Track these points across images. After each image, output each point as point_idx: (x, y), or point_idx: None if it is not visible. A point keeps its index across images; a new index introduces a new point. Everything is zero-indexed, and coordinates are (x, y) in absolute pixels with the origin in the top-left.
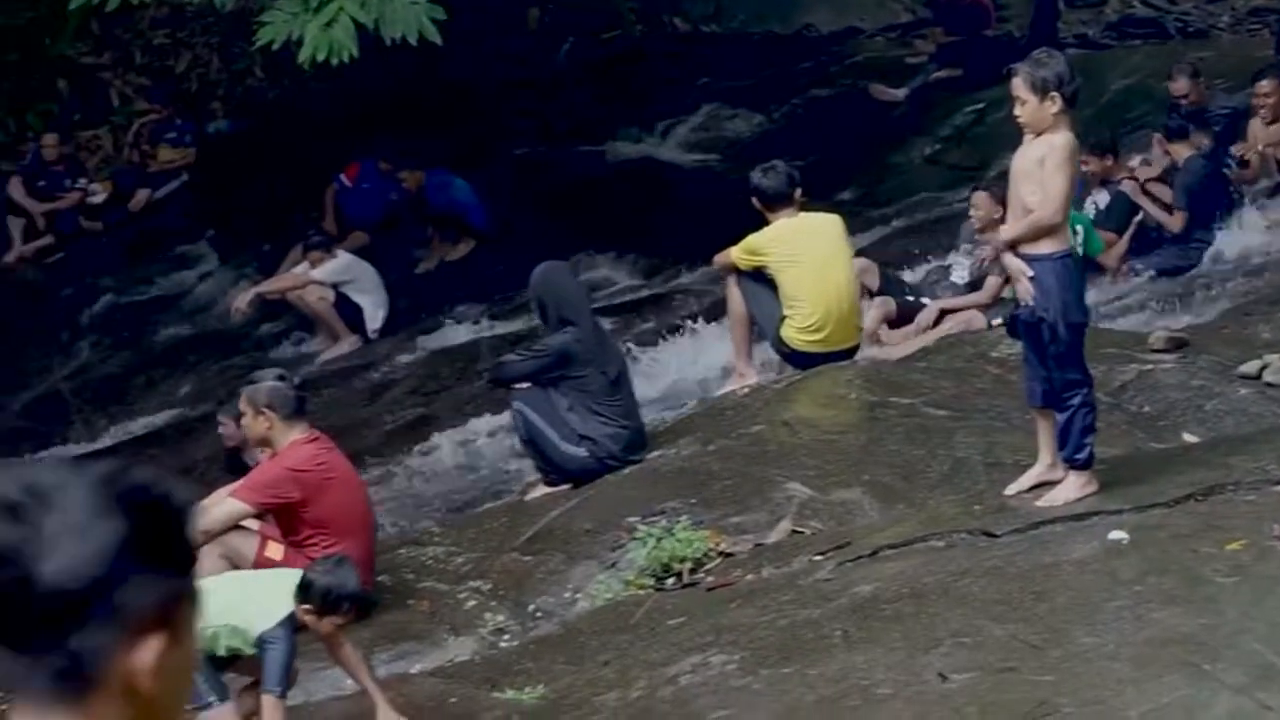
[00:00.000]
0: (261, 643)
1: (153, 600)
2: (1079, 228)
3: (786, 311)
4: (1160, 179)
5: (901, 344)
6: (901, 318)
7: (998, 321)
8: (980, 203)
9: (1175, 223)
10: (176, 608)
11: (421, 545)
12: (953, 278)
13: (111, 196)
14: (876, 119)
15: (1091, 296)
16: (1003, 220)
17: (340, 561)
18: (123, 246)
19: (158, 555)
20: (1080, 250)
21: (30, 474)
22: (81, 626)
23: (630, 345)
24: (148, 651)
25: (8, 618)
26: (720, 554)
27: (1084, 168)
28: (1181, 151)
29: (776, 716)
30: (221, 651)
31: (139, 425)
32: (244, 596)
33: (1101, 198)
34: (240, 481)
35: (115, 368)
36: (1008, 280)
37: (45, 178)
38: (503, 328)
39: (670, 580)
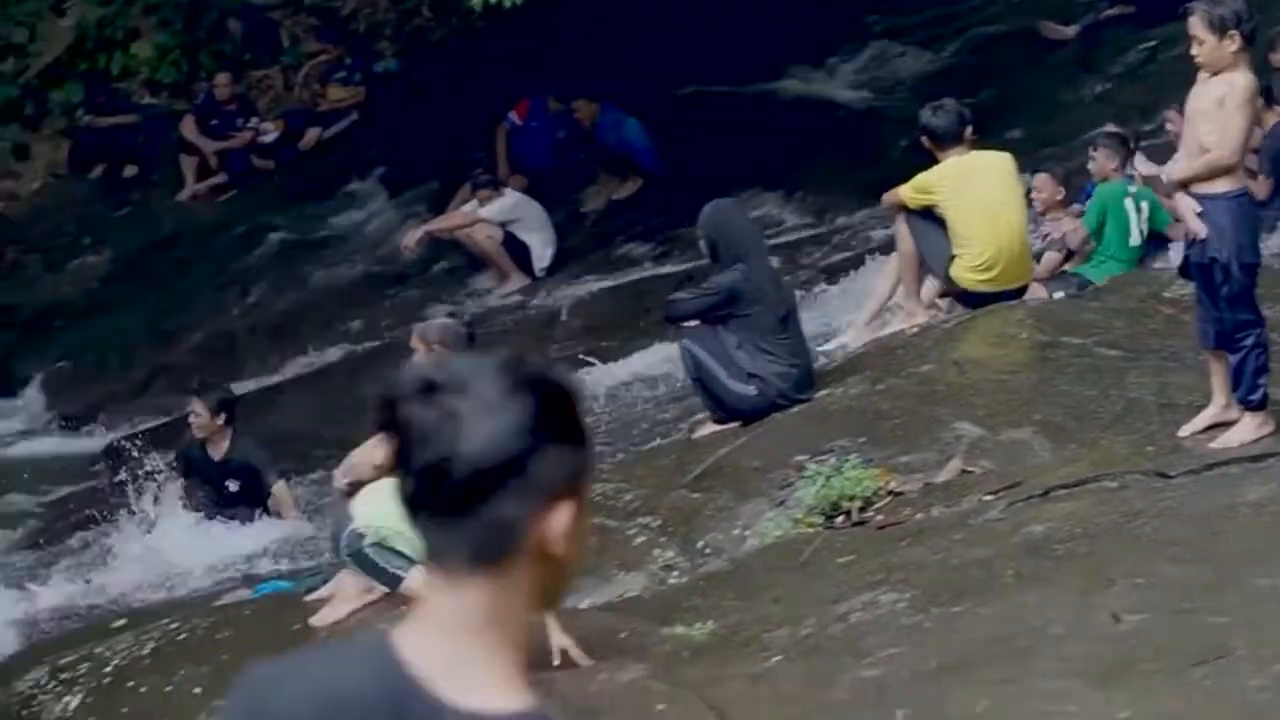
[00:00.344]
0: None
1: (562, 471)
2: (1144, 203)
3: (956, 250)
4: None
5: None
6: None
7: (1059, 294)
8: (1042, 185)
9: (1261, 189)
10: (581, 477)
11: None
12: None
13: (282, 135)
14: (1046, 57)
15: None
16: (1065, 203)
17: None
18: (293, 185)
19: (561, 430)
20: (1146, 226)
21: (443, 362)
22: (500, 497)
23: (798, 283)
24: (560, 518)
25: (431, 493)
26: (889, 493)
27: (1169, 127)
28: (1270, 118)
29: (947, 654)
30: (399, 548)
31: (310, 362)
32: None
33: None
34: None
35: (286, 305)
36: (1067, 258)
37: (217, 117)
38: (670, 266)
39: (839, 518)
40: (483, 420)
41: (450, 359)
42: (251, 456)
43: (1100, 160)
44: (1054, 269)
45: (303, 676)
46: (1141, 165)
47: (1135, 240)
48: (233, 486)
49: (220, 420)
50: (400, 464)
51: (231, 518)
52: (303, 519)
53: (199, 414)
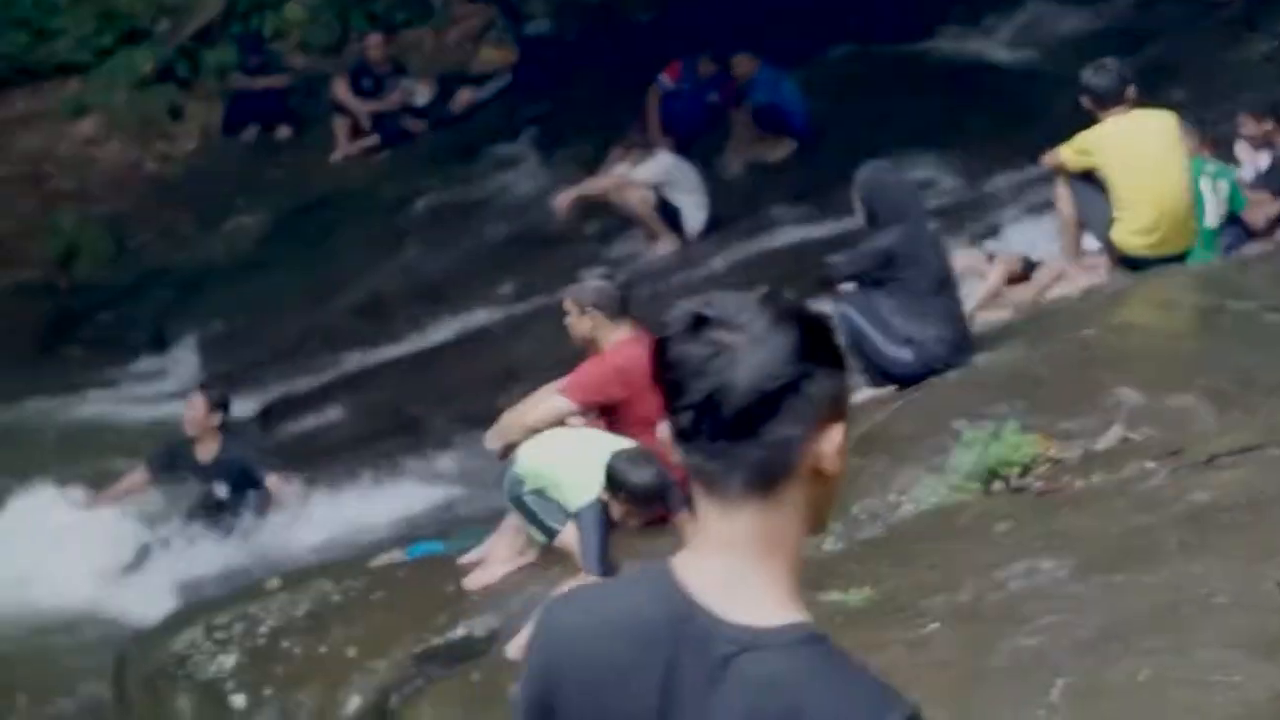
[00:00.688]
0: (577, 517)
1: (830, 393)
2: (1222, 183)
3: (1117, 214)
4: None
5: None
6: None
7: None
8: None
9: None
10: (844, 400)
11: None
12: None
13: (434, 97)
14: (1210, 16)
15: None
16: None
17: (637, 456)
18: (445, 146)
19: (826, 355)
20: (1225, 207)
21: (709, 300)
22: (779, 420)
23: (955, 246)
24: (832, 438)
25: (710, 422)
26: (1049, 459)
27: (1242, 130)
28: None
29: (1108, 622)
30: (556, 499)
31: (463, 324)
32: (575, 459)
33: (1262, 160)
34: (566, 378)
35: (438, 267)
36: None
37: (369, 78)
38: (823, 229)
39: (997, 485)
40: (755, 350)
41: (714, 297)
42: (244, 457)
43: None
44: None
45: (592, 600)
46: (1243, 153)
47: (1212, 222)
48: (221, 491)
49: (215, 420)
50: (673, 399)
51: (218, 523)
52: (306, 511)
53: (195, 407)
